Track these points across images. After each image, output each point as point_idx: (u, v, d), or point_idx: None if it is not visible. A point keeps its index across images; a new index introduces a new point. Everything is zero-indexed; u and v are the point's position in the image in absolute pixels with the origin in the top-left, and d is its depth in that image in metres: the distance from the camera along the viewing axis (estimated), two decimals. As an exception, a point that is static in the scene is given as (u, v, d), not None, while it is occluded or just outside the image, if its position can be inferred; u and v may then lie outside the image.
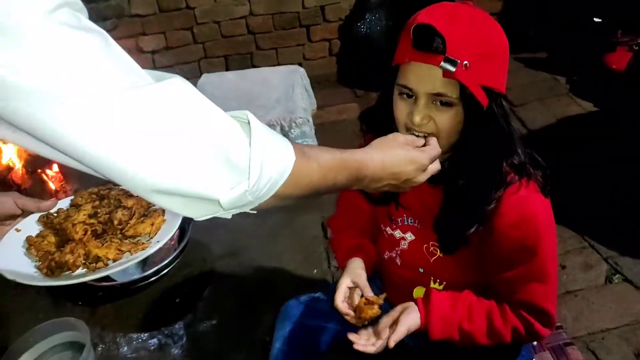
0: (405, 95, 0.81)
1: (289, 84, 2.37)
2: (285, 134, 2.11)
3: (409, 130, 0.83)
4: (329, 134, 2.53)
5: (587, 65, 2.58)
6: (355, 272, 0.97)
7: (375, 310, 0.90)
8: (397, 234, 0.99)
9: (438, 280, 0.96)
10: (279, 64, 2.90)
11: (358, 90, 2.97)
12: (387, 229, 1.01)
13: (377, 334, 0.86)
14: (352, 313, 0.93)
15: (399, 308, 0.88)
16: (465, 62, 0.73)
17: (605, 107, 2.37)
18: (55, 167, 2.17)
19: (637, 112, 1.90)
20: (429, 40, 0.74)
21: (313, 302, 1.13)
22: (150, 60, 2.91)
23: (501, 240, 0.84)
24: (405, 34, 0.78)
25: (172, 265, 1.76)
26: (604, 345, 1.42)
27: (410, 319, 0.86)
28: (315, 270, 1.81)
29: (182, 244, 1.79)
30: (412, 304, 0.88)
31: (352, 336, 0.86)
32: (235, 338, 1.60)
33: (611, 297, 1.57)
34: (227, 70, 2.89)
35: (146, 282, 1.71)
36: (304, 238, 1.97)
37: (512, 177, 0.83)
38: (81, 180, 2.17)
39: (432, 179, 0.85)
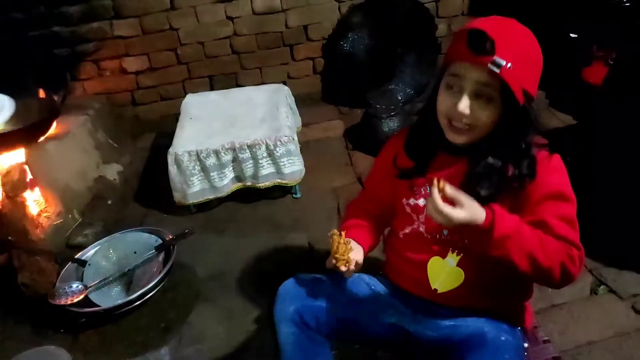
0: (450, 85, 0.95)
1: (274, 103, 2.37)
2: (270, 152, 2.11)
3: (450, 122, 0.97)
4: (314, 151, 2.54)
5: (566, 80, 2.64)
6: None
7: (347, 254, 1.02)
8: (422, 202, 1.07)
9: (456, 251, 1.03)
10: (263, 83, 2.92)
11: (342, 108, 3.00)
12: (411, 200, 1.09)
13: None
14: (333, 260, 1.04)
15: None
16: (509, 63, 0.87)
17: (584, 120, 2.42)
18: (37, 191, 2.14)
19: (615, 124, 1.93)
20: (481, 44, 0.87)
21: (315, 282, 1.13)
22: (134, 81, 2.91)
23: (538, 186, 0.94)
24: (458, 37, 0.92)
25: (157, 289, 1.74)
26: (591, 358, 1.42)
27: (476, 206, 0.89)
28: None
29: (167, 268, 1.77)
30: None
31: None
32: (223, 362, 1.57)
33: (596, 309, 1.58)
34: (211, 90, 2.89)
35: (130, 306, 1.68)
36: (292, 257, 1.96)
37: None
38: (64, 203, 2.14)
39: (456, 150, 1.01)
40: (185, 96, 2.56)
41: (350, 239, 1.09)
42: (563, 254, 0.90)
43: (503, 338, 0.97)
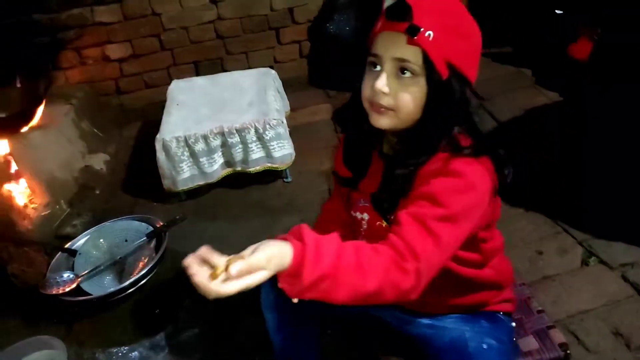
0: (372, 67, 0.86)
1: (261, 87, 2.35)
2: (259, 136, 2.09)
3: (372, 105, 0.86)
4: (303, 135, 2.53)
5: (551, 57, 2.65)
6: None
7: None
8: (358, 215, 1.02)
9: None
10: (249, 68, 2.88)
11: (330, 91, 2.97)
12: (351, 212, 1.04)
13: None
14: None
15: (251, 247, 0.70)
16: (430, 32, 0.79)
17: (570, 96, 2.44)
18: (22, 182, 2.10)
19: (601, 99, 1.95)
20: (398, 9, 0.80)
21: None
22: (118, 68, 2.85)
23: (417, 184, 0.84)
24: (382, 11, 0.84)
25: (150, 276, 1.72)
26: (583, 327, 1.45)
27: (274, 254, 0.68)
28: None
29: (159, 254, 1.76)
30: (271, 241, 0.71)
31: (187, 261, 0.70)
32: (219, 345, 1.57)
33: (587, 279, 1.61)
34: (197, 76, 2.85)
35: (123, 294, 1.67)
36: (284, 240, 1.95)
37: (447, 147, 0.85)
38: (51, 194, 2.10)
39: (387, 156, 0.93)
40: (170, 83, 2.52)
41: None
42: (392, 269, 0.72)
43: (485, 346, 0.94)
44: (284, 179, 2.29)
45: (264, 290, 1.12)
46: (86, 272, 1.74)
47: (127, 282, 1.65)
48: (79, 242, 1.89)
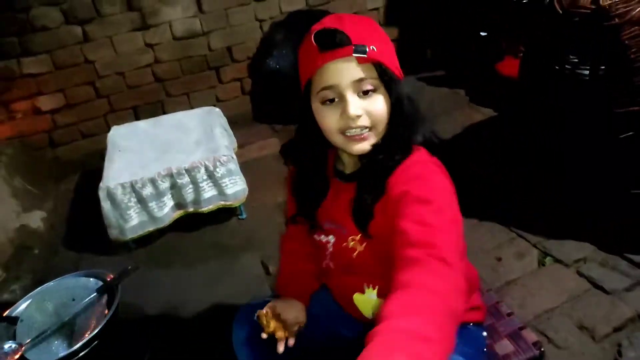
0: (328, 102, 0.85)
1: (207, 125, 2.31)
2: (210, 174, 2.04)
3: (344, 133, 0.86)
4: (253, 171, 2.50)
5: (482, 76, 2.82)
6: (294, 315, 1.02)
7: (279, 331, 0.98)
8: (323, 238, 1.01)
9: (371, 285, 0.97)
10: (192, 109, 2.84)
11: (276, 125, 2.99)
12: (315, 236, 1.04)
13: None
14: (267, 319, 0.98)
15: None
16: (372, 46, 0.81)
17: (503, 110, 2.59)
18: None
19: (532, 111, 2.08)
20: (332, 38, 0.81)
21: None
22: (50, 120, 2.71)
23: (396, 199, 0.82)
24: (305, 51, 0.85)
25: (104, 334, 1.59)
26: (550, 325, 1.49)
27: None
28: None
29: (112, 309, 1.63)
30: None
31: None
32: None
33: (547, 278, 1.66)
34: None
35: (76, 357, 1.52)
36: (246, 279, 1.89)
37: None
38: None
39: (347, 177, 0.95)
40: (109, 131, 2.42)
41: (280, 311, 1.00)
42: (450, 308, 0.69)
43: None
44: (239, 216, 2.23)
45: (236, 327, 1.07)
46: (30, 339, 1.57)
47: (79, 345, 1.51)
48: (20, 307, 1.71)
